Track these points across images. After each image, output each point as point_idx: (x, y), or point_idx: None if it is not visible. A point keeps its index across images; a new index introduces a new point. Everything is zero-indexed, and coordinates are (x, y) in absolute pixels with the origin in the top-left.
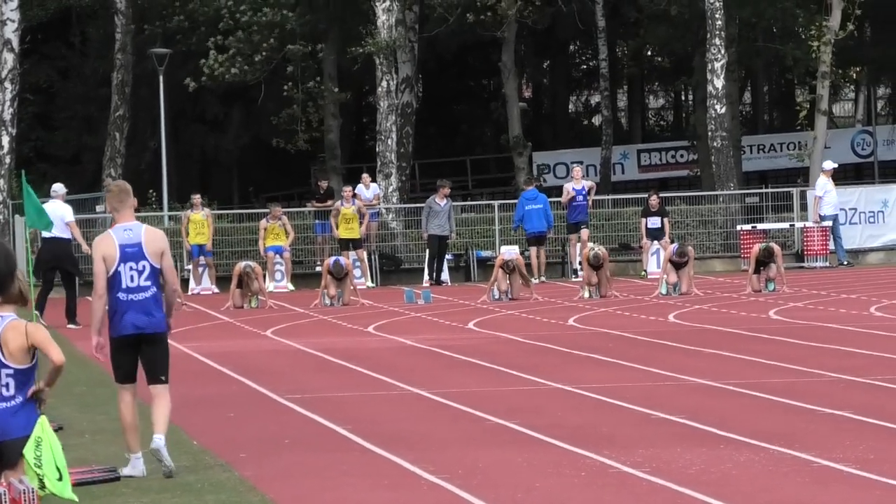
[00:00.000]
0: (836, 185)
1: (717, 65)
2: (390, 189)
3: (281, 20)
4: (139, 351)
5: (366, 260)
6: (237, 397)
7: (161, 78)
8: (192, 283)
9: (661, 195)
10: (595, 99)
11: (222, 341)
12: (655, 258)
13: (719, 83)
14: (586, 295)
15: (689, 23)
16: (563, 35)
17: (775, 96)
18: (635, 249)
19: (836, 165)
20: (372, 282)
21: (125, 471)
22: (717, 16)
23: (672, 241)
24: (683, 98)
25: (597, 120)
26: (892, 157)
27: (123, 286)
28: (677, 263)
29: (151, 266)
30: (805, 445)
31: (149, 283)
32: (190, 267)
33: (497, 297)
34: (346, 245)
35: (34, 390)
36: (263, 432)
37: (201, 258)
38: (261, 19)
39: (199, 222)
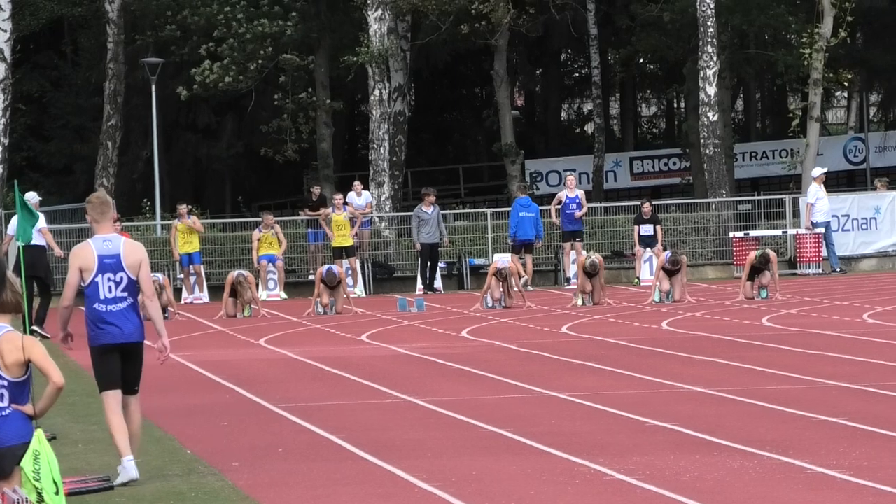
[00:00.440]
0: (828, 191)
1: (710, 72)
2: (383, 197)
3: (277, 31)
4: (119, 358)
5: (358, 268)
6: (230, 406)
7: (153, 87)
8: (184, 293)
9: (653, 203)
10: (587, 107)
11: (215, 350)
12: (648, 266)
13: (711, 90)
14: (580, 302)
15: (681, 30)
16: (555, 43)
17: (767, 104)
18: (628, 257)
19: (824, 170)
20: (364, 290)
21: (119, 478)
22: (709, 23)
23: (665, 249)
24: (675, 105)
25: (589, 128)
26: (885, 164)
27: (101, 297)
28: (670, 271)
29: (129, 278)
30: (799, 452)
31: (125, 294)
32: (181, 276)
33: (490, 304)
34: (339, 253)
35: (29, 416)
36: (257, 441)
37: (191, 267)
38: (256, 28)
39: (186, 231)
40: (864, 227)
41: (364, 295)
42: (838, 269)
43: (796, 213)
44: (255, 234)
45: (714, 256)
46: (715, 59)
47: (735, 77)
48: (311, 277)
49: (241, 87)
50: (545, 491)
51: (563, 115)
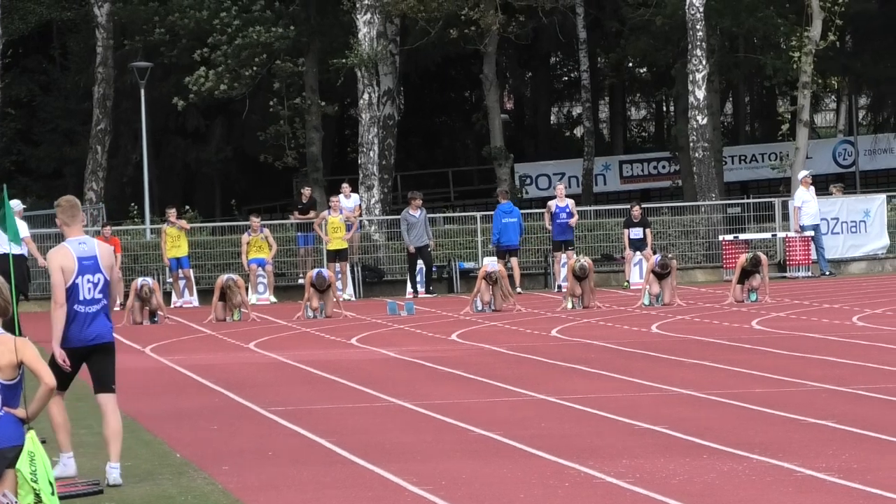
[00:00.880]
0: (818, 194)
1: (699, 76)
2: (373, 201)
3: (272, 38)
4: (87, 361)
5: (347, 272)
6: (220, 410)
7: (142, 91)
8: (173, 297)
9: (643, 206)
10: (577, 110)
11: (205, 354)
12: (638, 269)
13: (700, 94)
14: (569, 306)
15: (671, 34)
16: (544, 47)
17: (756, 107)
18: (618, 260)
19: (807, 172)
20: (354, 294)
21: (56, 471)
22: (698, 27)
23: (654, 252)
24: (665, 109)
25: (578, 131)
26: (874, 167)
27: (81, 298)
28: (660, 274)
29: (105, 279)
30: (788, 455)
31: (101, 295)
32: (171, 280)
33: (480, 308)
34: (333, 256)
35: (21, 419)
36: (246, 444)
37: (180, 271)
38: (251, 35)
39: (175, 236)
40: (853, 230)
41: (354, 298)
42: (827, 273)
43: (785, 217)
44: (245, 237)
45: (704, 260)
46: (704, 62)
47: (724, 80)
48: (300, 281)
49: (235, 95)
50: (535, 494)
51: (553, 118)
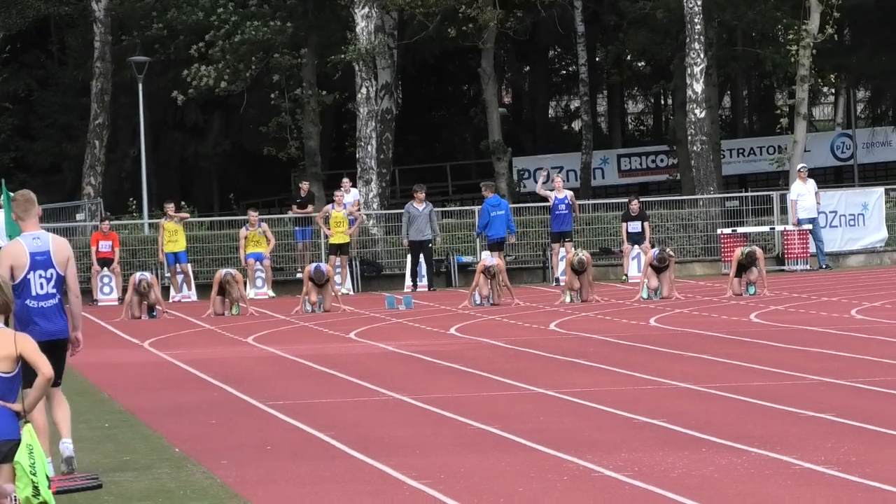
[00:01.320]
0: (821, 187)
1: (697, 69)
2: (371, 195)
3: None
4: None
5: (346, 265)
6: (219, 404)
7: (140, 86)
8: (172, 291)
9: (641, 200)
10: (575, 104)
11: (203, 348)
12: (636, 263)
13: (699, 87)
14: (568, 299)
15: (669, 27)
16: (542, 41)
17: (754, 100)
18: (616, 254)
19: (801, 165)
20: (352, 288)
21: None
22: (696, 20)
23: (653, 246)
24: (663, 103)
25: (576, 125)
26: (872, 160)
27: (33, 293)
28: (658, 268)
29: (58, 274)
30: (787, 448)
31: (55, 290)
32: (169, 275)
33: (478, 302)
34: (335, 250)
35: (18, 413)
36: (245, 439)
37: (178, 266)
38: (249, 32)
39: (173, 230)
40: (851, 223)
41: (352, 293)
42: (825, 266)
43: (784, 210)
44: (242, 232)
45: (702, 253)
46: (702, 55)
47: (722, 74)
48: (298, 275)
49: (234, 90)
50: (533, 488)
51: (551, 112)
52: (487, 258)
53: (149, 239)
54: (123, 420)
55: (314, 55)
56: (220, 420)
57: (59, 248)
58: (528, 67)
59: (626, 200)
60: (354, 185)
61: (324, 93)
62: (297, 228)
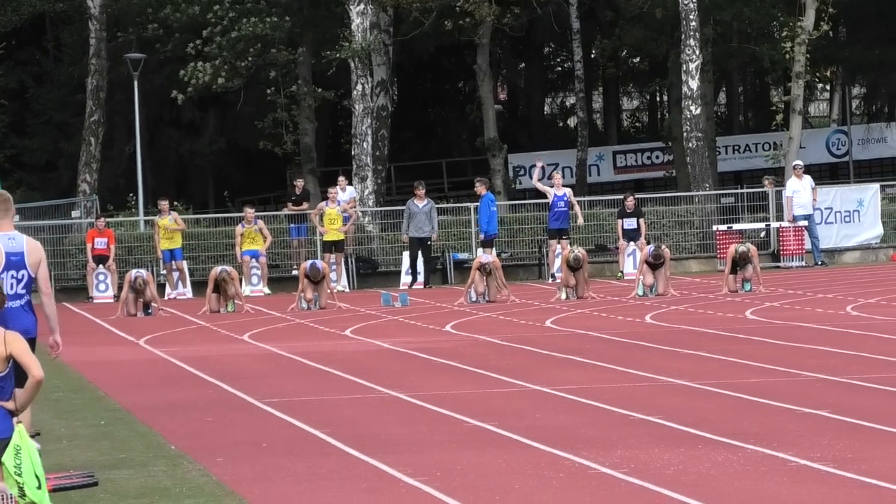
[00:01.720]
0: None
1: (692, 66)
2: (366, 192)
3: (267, 30)
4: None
5: (342, 263)
6: (214, 401)
7: (136, 83)
8: (167, 289)
9: (636, 196)
10: (570, 101)
11: (199, 346)
12: (632, 259)
13: (694, 84)
14: (563, 296)
15: (665, 24)
16: (538, 37)
17: (750, 97)
18: (611, 251)
19: (797, 162)
20: (348, 285)
21: None
22: (691, 17)
23: (648, 243)
24: (658, 99)
25: (572, 122)
26: (867, 157)
27: (4, 292)
28: (653, 264)
29: (29, 275)
30: (782, 445)
31: (24, 291)
32: (164, 272)
33: (474, 299)
34: (329, 247)
35: (9, 410)
36: (241, 436)
37: (173, 263)
38: (246, 28)
39: (168, 227)
40: (847, 219)
41: (348, 290)
42: (821, 262)
43: (779, 207)
44: (238, 229)
45: (697, 250)
46: (698, 52)
47: (718, 70)
48: (294, 272)
49: (231, 87)
50: (530, 485)
51: (547, 109)
52: (483, 255)
53: (144, 236)
54: (119, 417)
55: (310, 52)
56: (215, 417)
57: (32, 249)
58: (523, 64)
59: (621, 197)
60: (350, 183)
61: (319, 89)
62: (292, 226)
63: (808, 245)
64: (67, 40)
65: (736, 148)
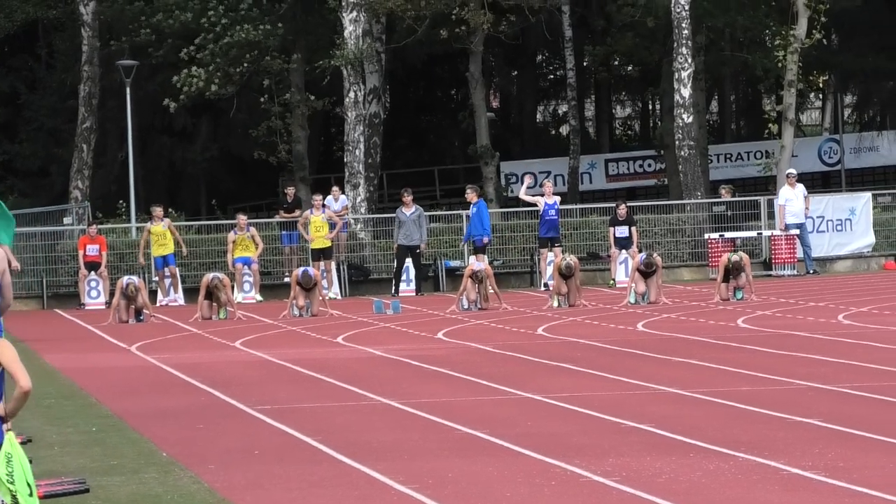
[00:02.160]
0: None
1: (684, 74)
2: (358, 199)
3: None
4: None
5: (333, 270)
6: (206, 408)
7: (128, 90)
8: (159, 295)
9: (628, 204)
10: (563, 108)
11: (191, 353)
12: (624, 267)
13: (686, 92)
14: (555, 304)
15: (657, 32)
16: (530, 45)
17: (742, 105)
18: (603, 259)
19: (789, 171)
20: (340, 292)
21: None
22: (683, 25)
23: (640, 251)
24: (650, 107)
25: (564, 129)
26: (859, 166)
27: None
28: (645, 273)
29: None
30: (774, 453)
31: None
32: (157, 279)
33: (466, 306)
34: (317, 256)
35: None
36: (232, 443)
37: (166, 269)
38: (239, 35)
39: (161, 234)
40: (838, 228)
41: (340, 297)
42: (812, 271)
43: (771, 215)
44: (230, 236)
45: (689, 258)
46: (690, 60)
47: (710, 78)
48: (286, 280)
49: (224, 94)
50: (521, 493)
51: (539, 117)
52: (475, 262)
53: (136, 243)
54: (111, 424)
55: (302, 60)
56: (207, 424)
57: None
58: (515, 72)
59: (613, 205)
60: (343, 192)
61: (312, 97)
62: (283, 233)
63: (799, 254)
64: (60, 47)
65: (728, 156)
